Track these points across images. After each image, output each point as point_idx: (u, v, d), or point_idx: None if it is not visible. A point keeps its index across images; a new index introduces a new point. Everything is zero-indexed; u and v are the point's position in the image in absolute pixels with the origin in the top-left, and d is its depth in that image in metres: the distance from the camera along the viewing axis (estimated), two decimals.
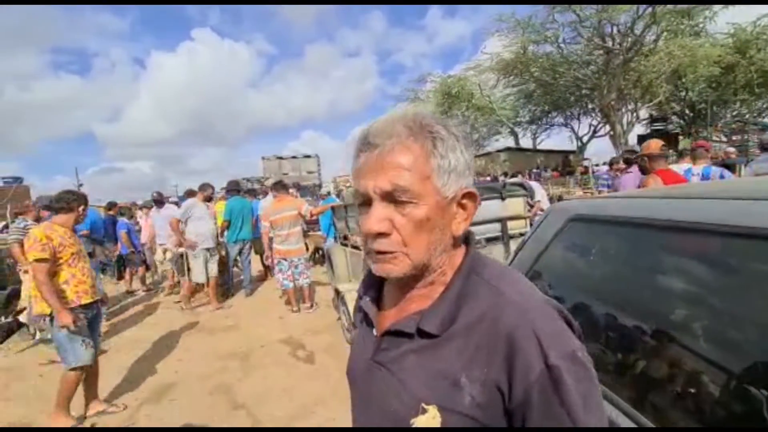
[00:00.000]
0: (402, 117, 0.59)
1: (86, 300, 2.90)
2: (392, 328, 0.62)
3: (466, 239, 0.66)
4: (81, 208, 3.00)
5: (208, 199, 5.76)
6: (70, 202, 2.92)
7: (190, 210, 5.44)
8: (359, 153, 0.59)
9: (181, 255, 5.81)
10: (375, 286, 0.73)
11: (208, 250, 5.51)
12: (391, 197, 0.55)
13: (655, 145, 3.56)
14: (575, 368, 0.52)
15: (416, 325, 0.59)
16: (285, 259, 5.01)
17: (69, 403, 2.85)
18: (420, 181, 0.55)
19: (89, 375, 2.97)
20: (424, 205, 0.56)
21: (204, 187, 5.76)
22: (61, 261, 2.81)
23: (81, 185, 25.51)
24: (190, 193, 6.58)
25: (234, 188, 6.82)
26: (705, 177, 4.03)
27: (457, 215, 0.61)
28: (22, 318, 4.56)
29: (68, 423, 2.84)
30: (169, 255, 6.32)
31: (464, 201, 0.61)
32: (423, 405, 0.55)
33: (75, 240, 2.97)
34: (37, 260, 2.67)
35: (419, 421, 0.56)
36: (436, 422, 0.54)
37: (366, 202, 0.58)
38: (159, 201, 6.87)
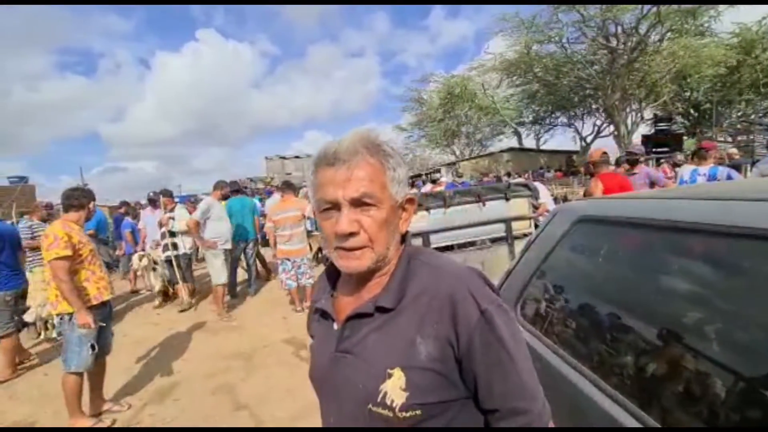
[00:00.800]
0: (360, 137, 0.70)
1: (106, 296, 2.92)
2: (353, 312, 0.72)
3: (403, 236, 0.79)
4: (91, 205, 3.00)
5: (225, 197, 5.51)
6: (80, 198, 2.90)
7: (210, 210, 5.18)
8: (325, 167, 0.69)
9: (169, 260, 5.58)
10: (328, 290, 0.83)
11: (226, 251, 5.30)
12: (358, 203, 0.67)
13: (597, 153, 4.22)
14: (501, 311, 0.67)
15: (374, 305, 0.70)
16: (288, 259, 5.03)
17: (80, 404, 2.84)
18: (380, 189, 0.68)
19: (96, 374, 2.97)
20: (383, 208, 0.69)
21: (219, 184, 5.51)
22: (81, 258, 2.79)
23: (86, 185, 25.60)
24: (165, 193, 6.03)
25: (235, 188, 6.83)
26: (712, 177, 3.99)
27: (402, 216, 0.75)
28: (26, 317, 4.57)
29: (88, 423, 2.84)
30: (144, 262, 5.80)
31: (406, 205, 0.76)
32: (388, 370, 0.65)
33: (87, 238, 2.97)
34: (59, 258, 2.62)
35: (387, 385, 0.65)
36: (402, 382, 0.64)
37: (333, 208, 0.69)
38: (154, 201, 6.40)
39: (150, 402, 3.19)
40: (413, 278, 0.71)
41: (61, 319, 2.76)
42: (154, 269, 5.84)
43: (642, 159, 4.54)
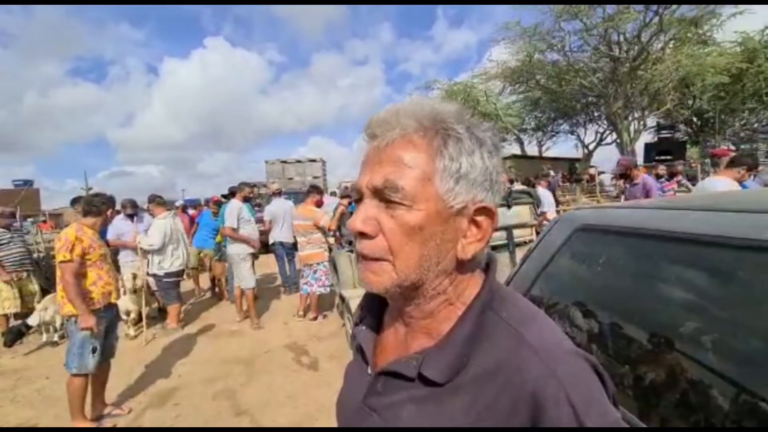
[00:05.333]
0: (413, 108, 0.51)
1: (113, 300, 3.03)
2: (389, 368, 0.53)
3: (486, 266, 0.56)
4: (109, 212, 3.14)
5: (246, 200, 5.23)
6: (99, 205, 3.03)
7: (240, 213, 5.01)
8: (365, 143, 0.54)
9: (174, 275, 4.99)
10: (374, 312, 0.63)
11: (253, 255, 5.18)
12: (381, 195, 0.48)
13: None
14: None
15: (417, 369, 0.49)
16: (306, 265, 4.98)
17: (83, 407, 2.87)
18: (418, 181, 0.47)
19: (98, 377, 2.99)
20: (418, 210, 0.47)
21: (242, 187, 5.23)
22: (89, 262, 2.89)
23: (90, 189, 25.72)
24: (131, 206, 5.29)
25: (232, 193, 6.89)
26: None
27: (468, 233, 0.50)
28: (30, 321, 4.59)
29: (89, 426, 2.87)
30: (139, 282, 4.78)
31: (479, 218, 0.50)
32: None
33: (101, 242, 3.07)
34: (66, 261, 2.74)
35: None
36: None
37: (360, 198, 0.52)
38: (132, 215, 5.32)
39: (150, 406, 3.19)
40: (483, 344, 0.48)
41: (67, 320, 2.82)
42: (135, 290, 4.80)
43: (625, 171, 4.56)
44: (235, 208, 5.00)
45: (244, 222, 5.06)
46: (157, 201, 5.21)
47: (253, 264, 5.18)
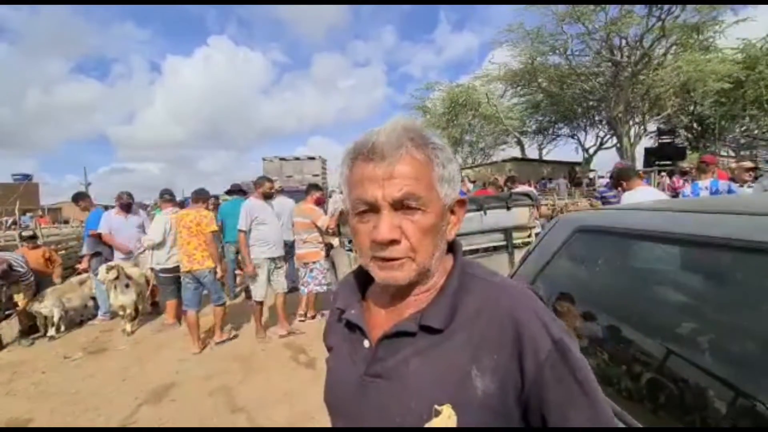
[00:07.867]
0: (404, 128, 0.59)
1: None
2: (392, 330, 0.61)
3: (453, 244, 0.68)
4: (210, 201, 4.50)
5: (268, 196, 4.60)
6: (206, 194, 4.47)
7: (254, 212, 4.37)
8: (362, 162, 0.59)
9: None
10: (357, 297, 0.71)
11: (272, 260, 4.49)
12: (400, 205, 0.57)
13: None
14: (572, 341, 0.57)
15: (418, 324, 0.59)
16: (304, 264, 4.89)
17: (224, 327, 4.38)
18: (426, 189, 0.58)
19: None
20: (430, 212, 0.58)
21: (260, 182, 4.58)
22: None
23: (89, 184, 25.71)
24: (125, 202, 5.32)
25: (235, 189, 6.88)
26: (714, 191, 4.03)
27: (451, 220, 0.64)
28: (33, 309, 4.56)
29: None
30: (113, 274, 4.62)
31: (456, 208, 0.64)
32: (436, 407, 0.54)
33: None
34: (214, 231, 4.22)
35: (433, 424, 0.54)
36: (452, 422, 0.53)
37: (371, 210, 0.58)
38: (128, 205, 5.41)
39: (146, 402, 3.18)
40: (466, 294, 0.61)
41: (209, 272, 4.16)
42: (127, 285, 4.78)
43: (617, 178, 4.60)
44: (245, 209, 4.41)
45: (259, 223, 4.39)
46: (165, 197, 5.28)
47: (270, 270, 4.49)
